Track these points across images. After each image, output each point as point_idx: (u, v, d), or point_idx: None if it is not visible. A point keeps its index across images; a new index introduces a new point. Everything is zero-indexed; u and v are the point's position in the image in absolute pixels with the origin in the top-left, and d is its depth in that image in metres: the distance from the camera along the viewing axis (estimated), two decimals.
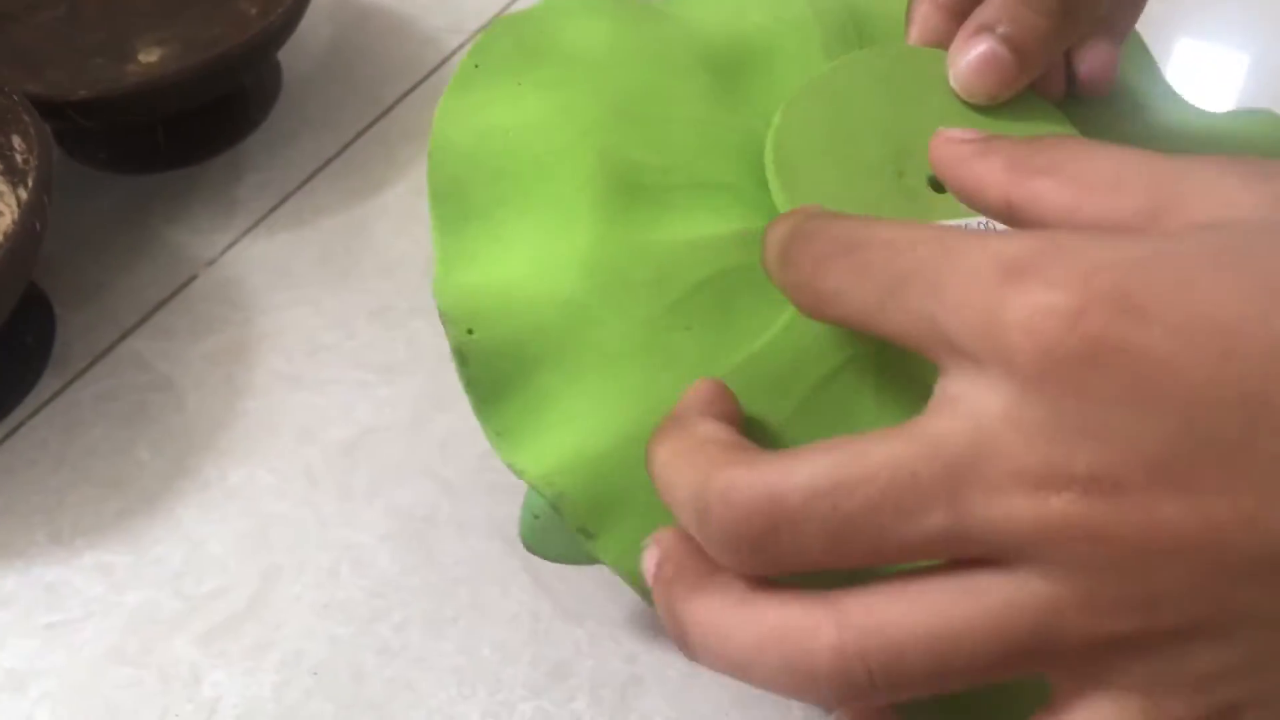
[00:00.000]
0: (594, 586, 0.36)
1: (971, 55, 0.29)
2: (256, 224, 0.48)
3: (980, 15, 0.29)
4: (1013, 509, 0.19)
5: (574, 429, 0.28)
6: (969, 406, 0.19)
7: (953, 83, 0.30)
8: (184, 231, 0.48)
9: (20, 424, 0.42)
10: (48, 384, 0.43)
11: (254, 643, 0.36)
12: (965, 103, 0.30)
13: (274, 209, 0.48)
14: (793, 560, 0.21)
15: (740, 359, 0.28)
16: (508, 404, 0.29)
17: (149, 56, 0.51)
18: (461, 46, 0.55)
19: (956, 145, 0.24)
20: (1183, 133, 0.34)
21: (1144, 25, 0.35)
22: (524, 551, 0.36)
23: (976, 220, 0.28)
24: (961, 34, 0.29)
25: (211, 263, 0.46)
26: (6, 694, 0.35)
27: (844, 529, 0.20)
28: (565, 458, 0.28)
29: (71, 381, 0.43)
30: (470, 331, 0.29)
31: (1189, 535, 0.18)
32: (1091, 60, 0.31)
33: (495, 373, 0.29)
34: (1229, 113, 0.37)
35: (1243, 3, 0.54)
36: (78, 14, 0.52)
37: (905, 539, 0.19)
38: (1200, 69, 0.52)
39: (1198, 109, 0.37)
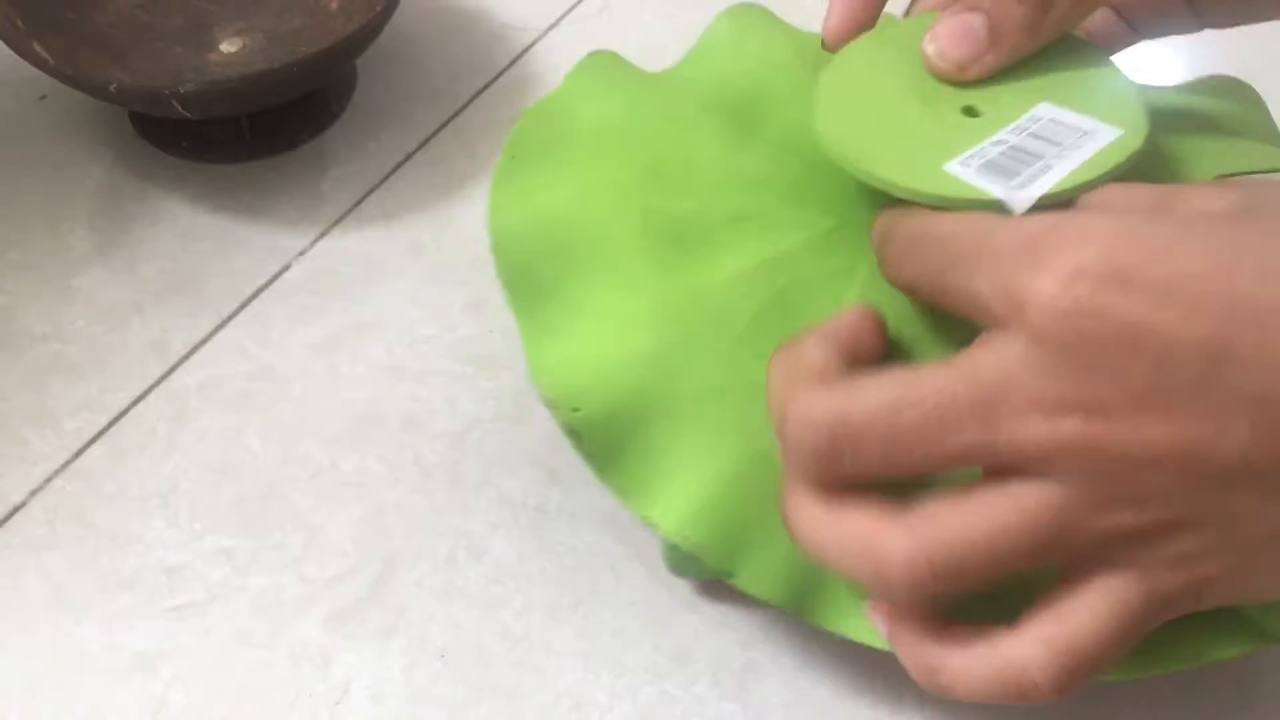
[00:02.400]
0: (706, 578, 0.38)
1: (949, 23, 0.32)
2: (344, 216, 0.49)
3: None
4: (1032, 430, 0.24)
5: (688, 477, 0.31)
6: (998, 348, 0.24)
7: (926, 46, 0.32)
8: (273, 222, 0.48)
9: (126, 409, 0.42)
10: (151, 370, 0.43)
11: (380, 626, 0.37)
12: None
13: (360, 201, 0.49)
14: (854, 470, 0.26)
15: None
16: (624, 464, 0.32)
17: (231, 47, 0.52)
18: (532, 45, 0.56)
19: None
20: (1167, 106, 0.37)
21: None
22: (636, 542, 0.39)
23: (1006, 130, 0.31)
24: (950, 10, 0.32)
25: (303, 253, 0.47)
26: (140, 675, 0.36)
27: (898, 442, 0.25)
28: (690, 508, 0.31)
29: (174, 369, 0.44)
30: (576, 409, 0.32)
31: (1167, 449, 0.23)
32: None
33: (607, 440, 0.32)
34: (1196, 83, 0.40)
35: None
36: (156, 1, 0.53)
37: (948, 451, 0.25)
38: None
39: (1167, 88, 0.40)
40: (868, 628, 0.30)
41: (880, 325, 0.29)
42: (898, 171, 0.30)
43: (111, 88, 0.44)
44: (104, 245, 0.48)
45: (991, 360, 0.24)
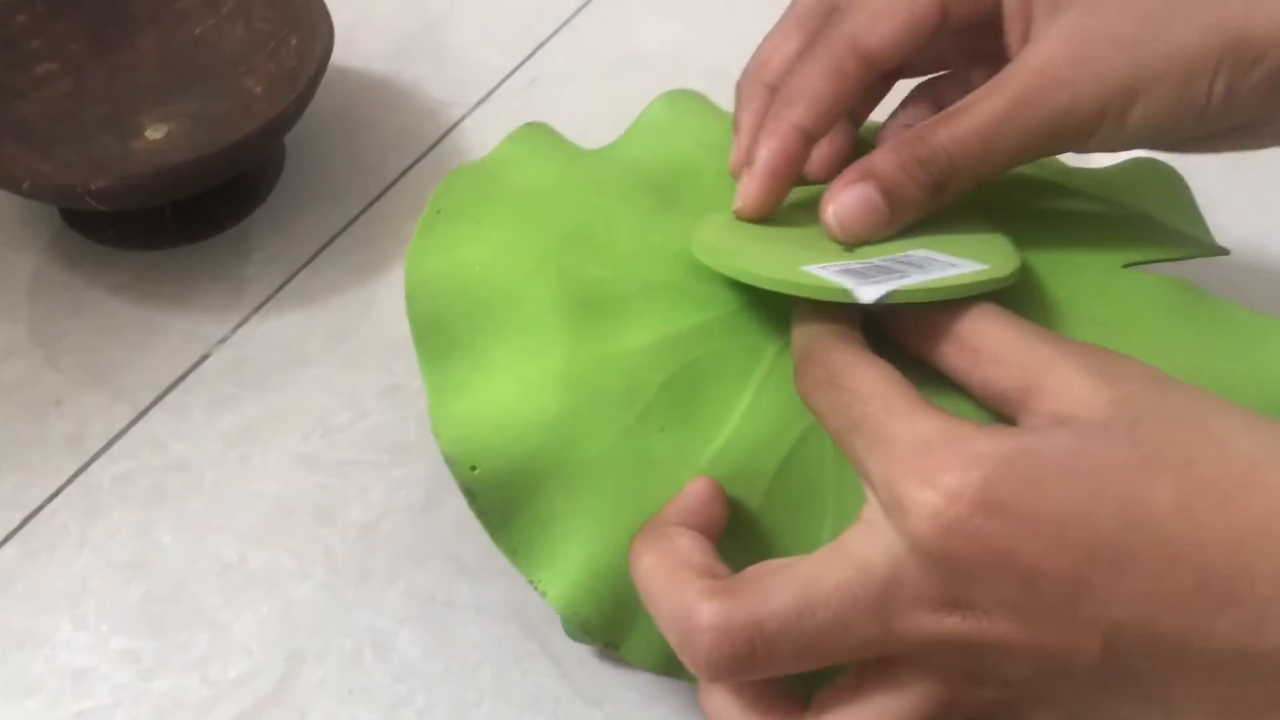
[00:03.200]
0: (610, 670, 0.37)
1: (852, 198, 0.32)
2: (266, 301, 0.49)
3: (866, 164, 0.32)
4: (919, 624, 0.26)
5: (579, 545, 0.32)
6: (885, 544, 0.26)
7: (830, 218, 0.32)
8: (194, 309, 0.49)
9: (40, 507, 0.42)
10: (65, 465, 0.44)
11: None
12: None
13: (282, 286, 0.49)
14: (765, 672, 0.26)
15: (712, 453, 0.31)
16: (517, 525, 0.32)
17: (156, 134, 0.52)
18: (461, 120, 0.56)
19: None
20: (1080, 184, 0.38)
21: None
22: (542, 636, 0.38)
23: (878, 258, 0.31)
24: (846, 175, 0.32)
25: (223, 340, 0.47)
26: None
27: (808, 643, 0.26)
28: (577, 580, 0.32)
29: (89, 464, 0.44)
30: (473, 468, 0.32)
31: (1031, 650, 0.25)
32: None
33: (501, 500, 0.32)
34: (1119, 164, 0.40)
35: None
36: (83, 90, 0.53)
37: (850, 646, 0.26)
38: None
39: (1088, 169, 0.40)
40: None
41: (723, 494, 0.30)
42: (760, 268, 0.30)
43: (25, 185, 0.44)
44: (28, 337, 0.48)
45: (880, 557, 0.26)
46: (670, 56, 0.59)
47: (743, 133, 0.35)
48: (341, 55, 0.58)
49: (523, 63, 0.59)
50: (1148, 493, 0.24)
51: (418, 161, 0.55)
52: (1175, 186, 0.39)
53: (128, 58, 0.54)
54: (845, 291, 0.28)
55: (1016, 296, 0.30)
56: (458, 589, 0.40)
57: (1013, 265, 0.31)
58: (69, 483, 0.43)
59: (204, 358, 0.47)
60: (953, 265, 0.30)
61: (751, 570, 0.27)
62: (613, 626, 0.32)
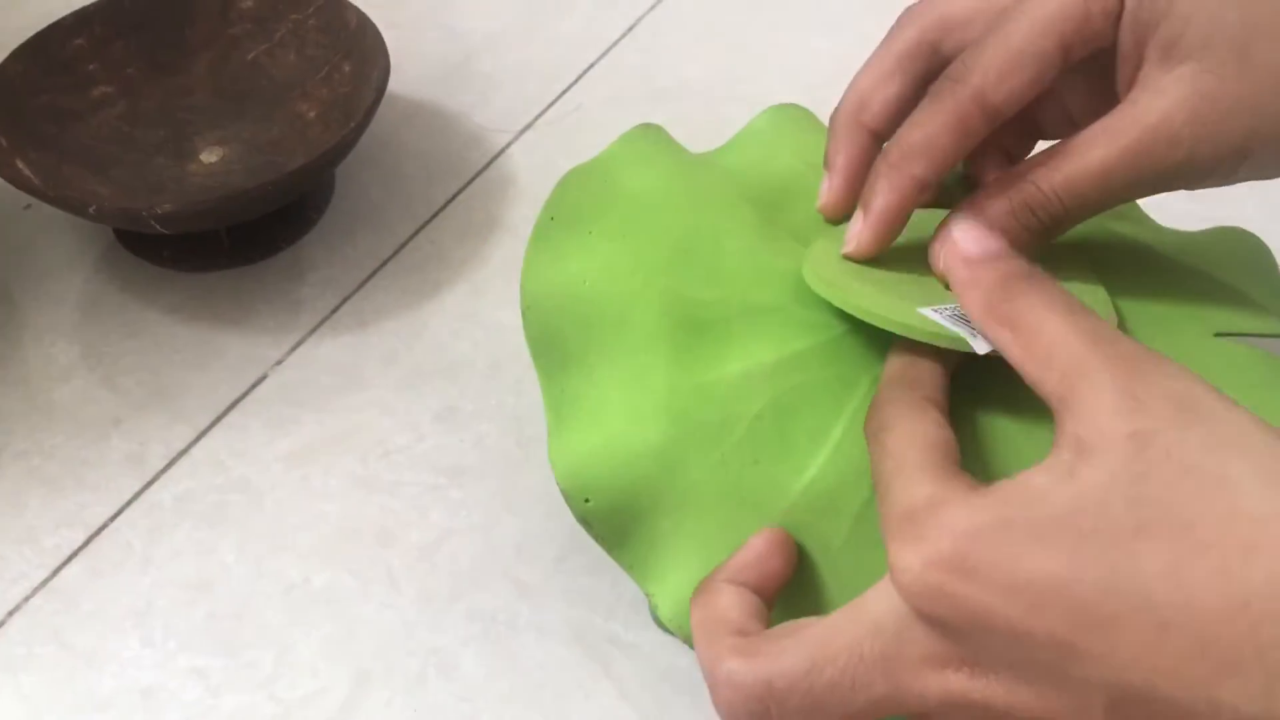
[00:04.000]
0: (674, 693, 0.38)
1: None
2: (320, 324, 0.50)
3: (977, 210, 0.33)
4: (928, 682, 0.27)
5: (684, 567, 0.33)
6: (894, 598, 0.27)
7: (940, 265, 0.32)
8: (250, 331, 0.49)
9: (104, 525, 0.43)
10: (128, 485, 0.44)
11: None
12: None
13: (336, 309, 0.50)
14: None
15: (802, 485, 0.32)
16: (632, 545, 0.34)
17: (210, 157, 0.53)
18: (507, 146, 0.57)
19: (957, 264, 0.30)
20: (1171, 246, 0.39)
21: None
22: (604, 658, 0.39)
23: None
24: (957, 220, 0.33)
25: (280, 363, 0.48)
26: None
27: (818, 700, 0.27)
28: (684, 598, 0.33)
29: (151, 483, 0.44)
30: (588, 500, 0.33)
31: (1037, 710, 0.26)
32: None
33: (616, 526, 0.34)
34: (1204, 232, 0.41)
35: None
36: (137, 113, 0.54)
37: (860, 703, 0.27)
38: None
39: (1174, 231, 0.41)
40: None
41: (788, 546, 0.31)
42: (878, 307, 0.31)
43: (91, 209, 0.45)
44: (85, 356, 0.49)
45: (889, 615, 0.27)
46: (711, 84, 0.60)
47: (836, 173, 0.36)
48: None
49: (566, 90, 0.60)
50: (1136, 560, 0.23)
51: (465, 188, 0.56)
52: (1262, 259, 0.40)
53: (182, 81, 0.55)
54: (961, 340, 0.29)
55: None
56: (519, 610, 0.41)
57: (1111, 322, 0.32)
58: (131, 502, 0.44)
59: (261, 379, 0.48)
60: None
61: (777, 629, 0.29)
62: None
